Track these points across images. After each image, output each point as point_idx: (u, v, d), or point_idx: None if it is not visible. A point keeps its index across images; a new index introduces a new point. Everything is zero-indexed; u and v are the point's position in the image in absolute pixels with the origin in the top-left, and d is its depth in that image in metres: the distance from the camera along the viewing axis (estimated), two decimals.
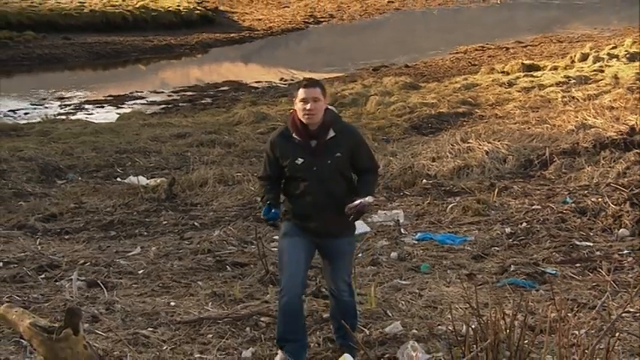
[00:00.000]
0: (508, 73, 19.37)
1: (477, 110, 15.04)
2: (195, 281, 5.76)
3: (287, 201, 4.17)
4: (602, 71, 17.91)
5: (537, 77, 17.93)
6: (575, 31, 31.04)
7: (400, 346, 4.28)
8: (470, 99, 16.04)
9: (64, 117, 16.98)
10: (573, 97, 14.66)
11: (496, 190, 8.22)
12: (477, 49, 26.77)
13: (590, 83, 16.30)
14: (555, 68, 19.63)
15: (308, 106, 3.96)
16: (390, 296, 5.23)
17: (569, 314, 4.10)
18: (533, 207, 7.46)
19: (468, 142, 10.37)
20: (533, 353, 3.84)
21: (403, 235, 6.92)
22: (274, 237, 6.39)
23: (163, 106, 18.95)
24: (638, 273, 5.43)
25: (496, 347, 3.48)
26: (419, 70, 22.93)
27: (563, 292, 5.10)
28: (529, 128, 11.66)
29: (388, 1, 41.58)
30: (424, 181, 9.12)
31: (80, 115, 17.48)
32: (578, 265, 5.76)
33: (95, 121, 15.96)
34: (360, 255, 6.14)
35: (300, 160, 4.03)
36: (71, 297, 5.21)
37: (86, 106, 18.89)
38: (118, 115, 17.04)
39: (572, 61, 20.56)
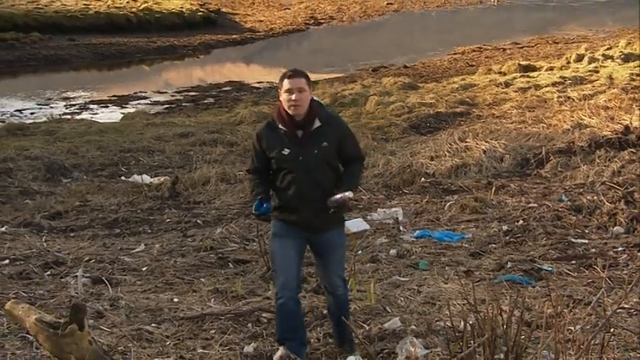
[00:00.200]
0: (505, 74, 19.32)
1: (474, 110, 15.05)
2: (197, 278, 5.80)
3: (275, 195, 4.13)
4: (597, 72, 17.88)
5: (534, 78, 17.89)
6: (570, 32, 31.04)
7: (399, 341, 4.31)
8: (467, 99, 16.04)
9: (69, 117, 17.02)
10: (569, 97, 14.68)
11: (493, 188, 8.25)
12: (474, 50, 26.75)
13: (586, 83, 16.28)
14: (551, 69, 19.60)
15: (293, 97, 3.94)
16: (389, 293, 5.26)
17: (564, 310, 4.11)
18: (530, 205, 7.48)
19: (466, 142, 10.40)
20: (530, 348, 3.86)
21: (402, 232, 6.94)
22: None
23: (167, 106, 18.99)
24: (632, 270, 5.46)
25: (493, 343, 3.50)
26: (417, 71, 22.93)
27: (559, 289, 5.15)
28: (525, 128, 11.70)
29: (387, 3, 41.63)
30: (423, 179, 9.16)
31: (85, 115, 17.51)
32: (573, 261, 5.78)
33: (100, 121, 16.02)
34: (359, 252, 6.18)
35: (286, 151, 4.00)
36: (76, 293, 5.26)
37: (91, 106, 18.93)
38: (123, 115, 17.07)
39: (568, 62, 20.50)
